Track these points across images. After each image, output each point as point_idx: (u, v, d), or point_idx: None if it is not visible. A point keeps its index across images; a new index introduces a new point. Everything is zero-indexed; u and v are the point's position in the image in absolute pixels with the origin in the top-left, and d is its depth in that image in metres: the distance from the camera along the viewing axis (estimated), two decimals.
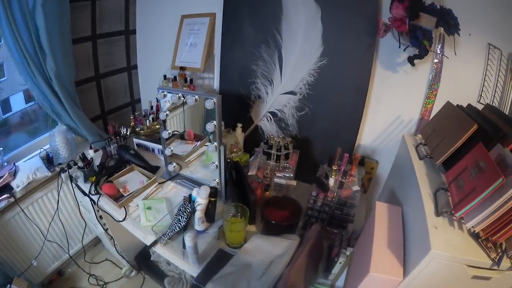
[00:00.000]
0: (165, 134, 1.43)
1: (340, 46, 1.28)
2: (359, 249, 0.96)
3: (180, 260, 1.16)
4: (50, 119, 1.78)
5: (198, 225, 1.22)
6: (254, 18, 1.41)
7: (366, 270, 0.75)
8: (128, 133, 1.68)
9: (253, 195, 1.21)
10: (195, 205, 1.22)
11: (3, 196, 1.45)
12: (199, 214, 1.20)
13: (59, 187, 1.62)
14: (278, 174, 1.29)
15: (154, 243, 1.21)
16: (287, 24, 1.32)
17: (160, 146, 1.63)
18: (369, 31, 1.21)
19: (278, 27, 1.35)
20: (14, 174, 1.54)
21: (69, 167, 1.59)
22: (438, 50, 1.17)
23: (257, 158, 1.37)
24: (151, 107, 1.75)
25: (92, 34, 1.66)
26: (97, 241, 2.04)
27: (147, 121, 1.73)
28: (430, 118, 1.22)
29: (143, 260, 1.86)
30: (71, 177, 1.57)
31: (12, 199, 1.47)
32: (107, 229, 1.64)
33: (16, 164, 1.59)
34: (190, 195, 1.30)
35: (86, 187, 1.49)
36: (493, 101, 1.18)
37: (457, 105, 1.08)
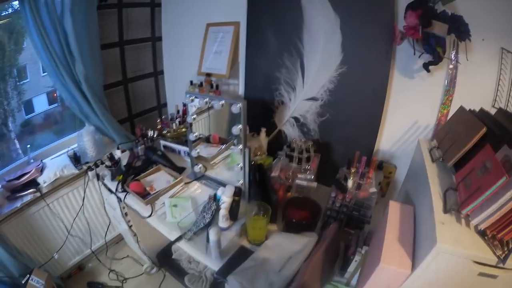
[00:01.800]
0: (192, 137, 1.58)
1: (358, 53, 1.39)
2: (372, 246, 1.09)
3: (203, 255, 1.28)
4: (77, 120, 1.94)
5: (222, 222, 1.36)
6: (276, 27, 1.53)
7: (377, 262, 0.87)
8: (155, 136, 1.84)
9: (275, 195, 1.34)
10: (220, 203, 1.37)
11: (29, 191, 1.60)
12: (223, 211, 1.34)
13: (86, 184, 1.77)
14: (299, 176, 1.42)
15: (179, 238, 1.33)
16: (308, 33, 1.45)
17: (186, 148, 1.78)
18: (386, 39, 1.32)
19: (300, 36, 1.47)
20: (41, 170, 1.70)
21: (96, 166, 1.74)
22: (453, 56, 1.25)
23: (280, 160, 1.51)
24: (178, 111, 1.90)
25: (119, 40, 1.82)
26: (119, 238, 2.19)
27: (174, 124, 1.88)
28: (444, 123, 1.33)
29: (164, 258, 1.99)
30: (98, 175, 1.72)
31: (38, 194, 1.62)
32: (131, 225, 1.79)
33: (43, 161, 1.75)
34: (215, 194, 1.44)
35: (112, 185, 1.64)
36: (507, 105, 1.24)
37: (470, 109, 1.16)
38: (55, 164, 1.74)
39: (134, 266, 2.06)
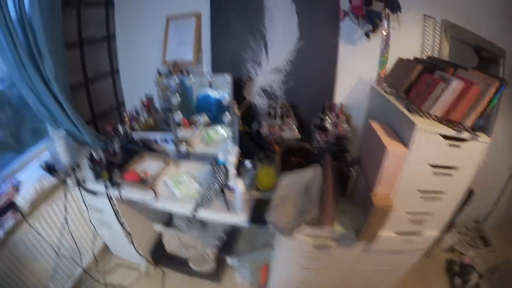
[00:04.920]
0: (177, 118, 1.70)
1: (312, 31, 1.77)
2: (367, 152, 1.44)
3: (227, 214, 1.44)
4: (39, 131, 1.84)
5: (232, 182, 1.51)
6: (240, 16, 1.82)
7: (383, 151, 1.19)
8: (127, 130, 1.89)
9: (272, 147, 1.61)
10: (227, 164, 1.51)
11: (9, 213, 1.44)
12: (233, 170, 1.50)
13: (65, 194, 1.70)
14: (284, 128, 1.69)
15: (196, 207, 1.45)
16: (269, 17, 1.75)
17: (161, 135, 1.90)
18: (333, 18, 1.73)
19: (262, 21, 1.77)
20: (17, 188, 1.56)
21: (73, 170, 1.68)
22: (385, 25, 1.68)
23: (264, 121, 1.77)
24: (143, 103, 2.00)
25: (79, 39, 1.82)
26: (104, 250, 2.10)
27: (142, 117, 1.97)
28: (390, 69, 1.75)
29: (159, 253, 2.01)
30: (78, 181, 1.66)
31: (19, 216, 1.47)
32: (124, 224, 1.75)
33: (16, 177, 1.61)
34: (216, 160, 1.58)
35: (98, 186, 1.62)
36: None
37: (407, 58, 1.64)
38: (31, 178, 1.63)
39: (129, 273, 2.02)
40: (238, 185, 1.36)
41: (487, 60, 1.75)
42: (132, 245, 1.84)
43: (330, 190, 1.36)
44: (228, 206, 1.46)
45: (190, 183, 1.59)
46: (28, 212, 1.52)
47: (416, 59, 1.63)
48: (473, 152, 1.21)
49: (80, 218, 1.84)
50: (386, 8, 1.58)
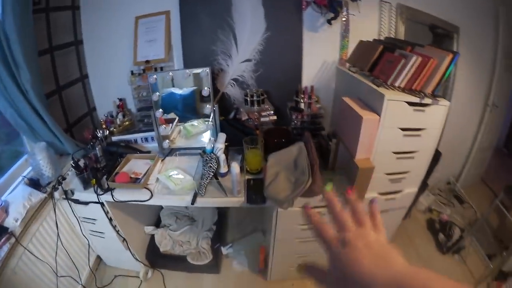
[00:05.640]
0: (158, 114, 1.78)
1: (278, 21, 1.93)
2: (343, 125, 1.61)
3: (226, 198, 1.54)
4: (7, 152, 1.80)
5: (222, 168, 1.62)
6: (208, 10, 1.93)
7: (359, 120, 1.37)
8: (106, 133, 1.92)
9: (253, 131, 1.75)
10: (216, 152, 1.61)
11: (2, 239, 1.37)
12: (223, 156, 1.61)
13: (54, 209, 1.68)
14: (263, 114, 1.83)
15: (195, 197, 1.54)
16: (237, 11, 1.88)
17: (142, 135, 1.98)
18: (296, 8, 1.90)
19: (230, 15, 1.89)
20: (6, 210, 1.51)
21: (59, 183, 1.67)
22: (345, 12, 1.90)
23: (242, 109, 1.90)
24: (118, 106, 2.07)
25: (49, 46, 1.81)
26: (97, 263, 2.11)
27: (118, 120, 2.03)
28: (352, 51, 1.95)
29: (154, 256, 2.06)
30: (66, 192, 1.66)
31: (13, 239, 1.43)
32: (118, 230, 1.79)
33: (2, 199, 1.57)
34: (203, 150, 1.67)
35: (87, 196, 1.63)
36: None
37: (367, 40, 1.84)
38: (18, 197, 1.57)
39: (127, 281, 2.04)
40: (234, 168, 1.46)
41: (442, 36, 2.02)
42: (129, 251, 1.87)
43: (316, 161, 1.52)
44: (225, 190, 1.56)
45: (182, 175, 1.67)
46: (21, 234, 1.48)
47: (375, 40, 1.84)
48: (436, 114, 1.42)
49: (71, 233, 1.83)
50: None
